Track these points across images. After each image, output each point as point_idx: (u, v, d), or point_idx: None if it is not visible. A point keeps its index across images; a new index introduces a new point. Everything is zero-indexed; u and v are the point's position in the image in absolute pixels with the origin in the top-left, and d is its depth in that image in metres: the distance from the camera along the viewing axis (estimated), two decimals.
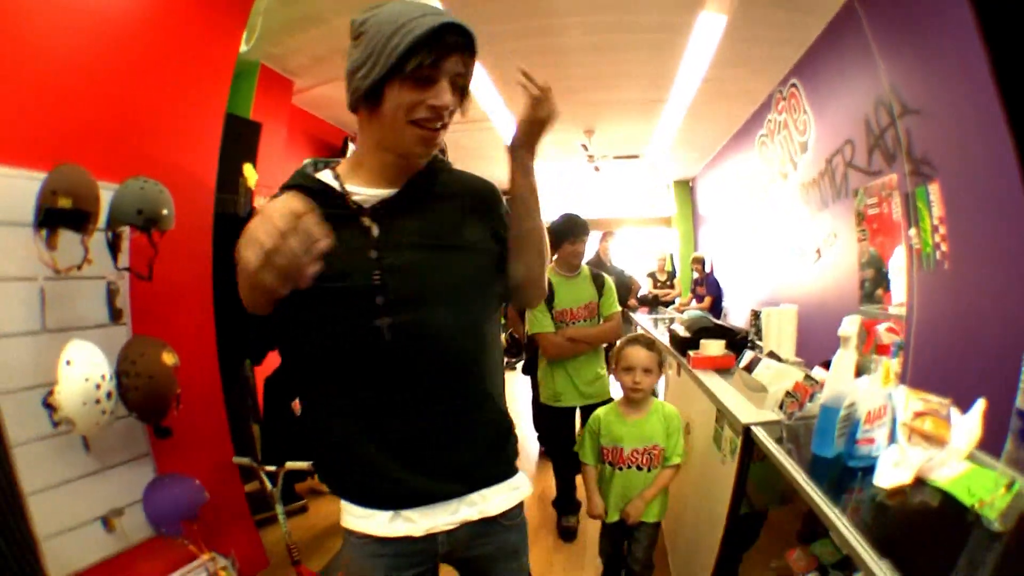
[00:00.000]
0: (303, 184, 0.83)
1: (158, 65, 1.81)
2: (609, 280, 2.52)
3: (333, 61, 3.34)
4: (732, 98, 4.34)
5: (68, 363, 1.43)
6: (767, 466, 1.31)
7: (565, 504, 2.65)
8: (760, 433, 1.33)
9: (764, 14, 2.96)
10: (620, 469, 1.78)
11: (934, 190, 2.16)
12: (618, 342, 1.89)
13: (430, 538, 0.87)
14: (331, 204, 0.79)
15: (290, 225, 0.57)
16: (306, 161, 0.89)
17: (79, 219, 1.44)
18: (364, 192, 0.83)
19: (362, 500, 0.87)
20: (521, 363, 4.28)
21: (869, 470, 1.05)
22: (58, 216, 1.40)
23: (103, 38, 1.63)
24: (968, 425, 1.06)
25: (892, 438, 1.10)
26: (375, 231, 0.82)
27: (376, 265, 0.80)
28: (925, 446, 1.06)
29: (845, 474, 1.08)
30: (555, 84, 0.84)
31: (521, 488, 0.96)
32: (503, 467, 0.94)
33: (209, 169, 2.06)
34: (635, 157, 6.38)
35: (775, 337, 2.00)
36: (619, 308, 2.52)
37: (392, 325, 0.80)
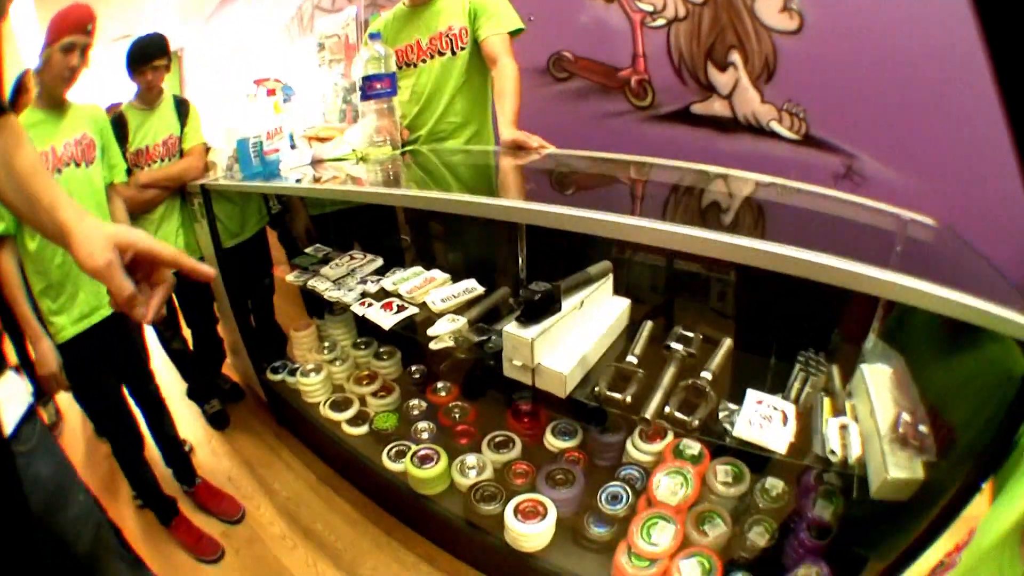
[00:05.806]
0: None
1: None
2: (195, 107, 2.05)
3: None
4: None
5: None
6: (228, 205, 1.89)
7: (200, 391, 2.36)
8: (212, 185, 1.80)
9: None
10: None
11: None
12: None
13: None
14: None
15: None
16: None
17: None
18: None
19: None
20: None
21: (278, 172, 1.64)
22: None
23: None
24: (359, 130, 1.63)
25: (292, 146, 1.65)
26: None
27: None
28: (318, 144, 1.66)
29: (267, 176, 1.64)
30: None
31: (14, 380, 0.63)
32: None
33: None
34: (128, 37, 5.69)
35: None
36: (203, 140, 2.06)
37: None
